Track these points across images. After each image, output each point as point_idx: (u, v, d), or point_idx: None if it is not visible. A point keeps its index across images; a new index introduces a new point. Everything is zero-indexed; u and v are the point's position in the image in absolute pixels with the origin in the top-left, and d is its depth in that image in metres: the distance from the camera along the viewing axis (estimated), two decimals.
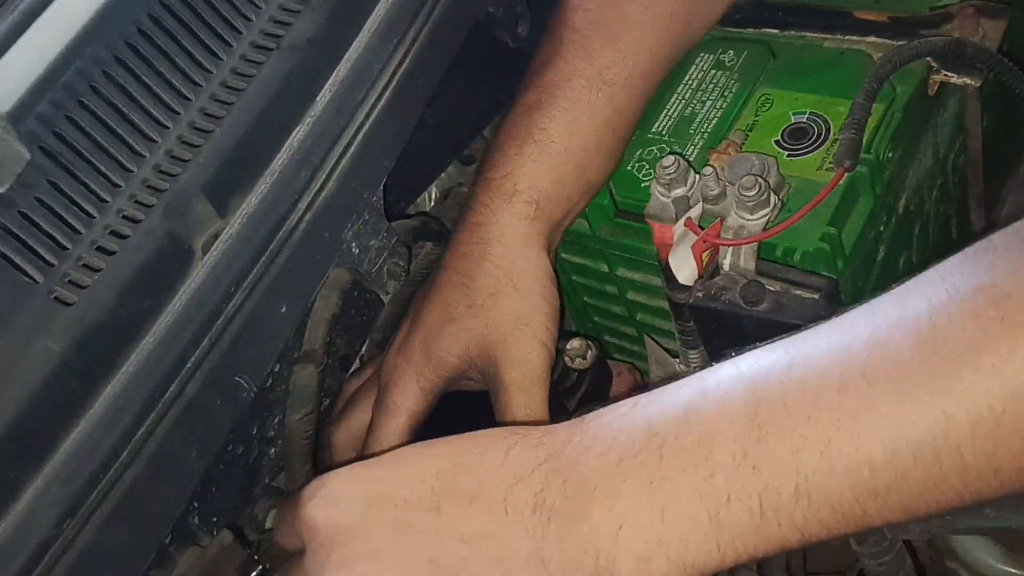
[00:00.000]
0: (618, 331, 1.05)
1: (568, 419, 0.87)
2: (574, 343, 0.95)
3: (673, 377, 0.64)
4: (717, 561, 0.55)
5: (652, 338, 0.94)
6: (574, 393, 0.94)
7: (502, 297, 0.80)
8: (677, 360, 0.89)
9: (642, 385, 1.04)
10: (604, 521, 0.56)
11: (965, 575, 0.87)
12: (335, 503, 0.62)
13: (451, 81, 0.95)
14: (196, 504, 0.78)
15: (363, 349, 0.98)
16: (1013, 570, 0.85)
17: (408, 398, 0.83)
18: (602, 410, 0.62)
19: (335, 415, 0.90)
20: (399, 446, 0.68)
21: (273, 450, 0.86)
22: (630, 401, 0.62)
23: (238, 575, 0.75)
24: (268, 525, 0.88)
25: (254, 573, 0.76)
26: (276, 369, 0.83)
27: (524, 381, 0.79)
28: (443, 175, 1.14)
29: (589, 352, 0.95)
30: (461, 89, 1.04)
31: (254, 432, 0.83)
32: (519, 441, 0.61)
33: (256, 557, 0.78)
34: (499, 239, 0.81)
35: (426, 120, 0.94)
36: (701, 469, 0.55)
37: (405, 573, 0.58)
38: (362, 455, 0.84)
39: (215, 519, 0.81)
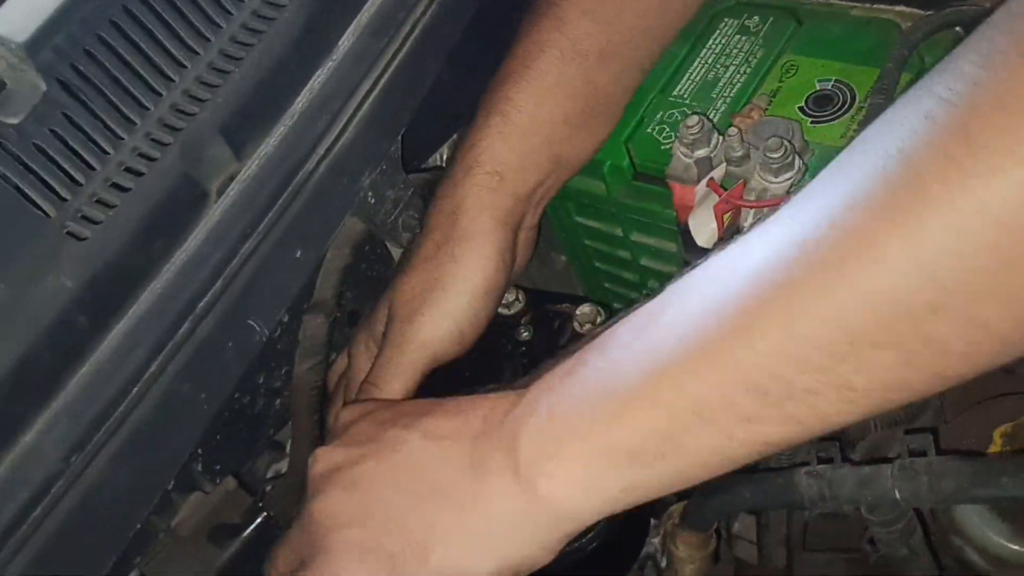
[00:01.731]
0: (628, 298, 1.05)
1: None
2: (584, 308, 0.94)
3: None
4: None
5: None
6: None
7: (431, 261, 0.78)
8: None
9: None
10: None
11: (970, 551, 0.87)
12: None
13: (467, 42, 0.93)
14: (200, 451, 0.77)
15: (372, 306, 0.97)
16: (1017, 547, 0.84)
17: (357, 369, 0.83)
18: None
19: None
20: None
21: (279, 401, 0.85)
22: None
23: (242, 521, 0.74)
24: (270, 476, 0.88)
25: (258, 519, 0.75)
26: (285, 320, 0.82)
27: (399, 341, 0.78)
28: (454, 136, 1.13)
29: (599, 318, 0.94)
30: (477, 50, 1.03)
31: (260, 382, 0.82)
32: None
33: (260, 504, 0.77)
34: (452, 210, 0.80)
35: (440, 78, 0.93)
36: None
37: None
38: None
39: (218, 468, 0.80)
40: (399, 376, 0.78)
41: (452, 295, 0.78)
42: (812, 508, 0.73)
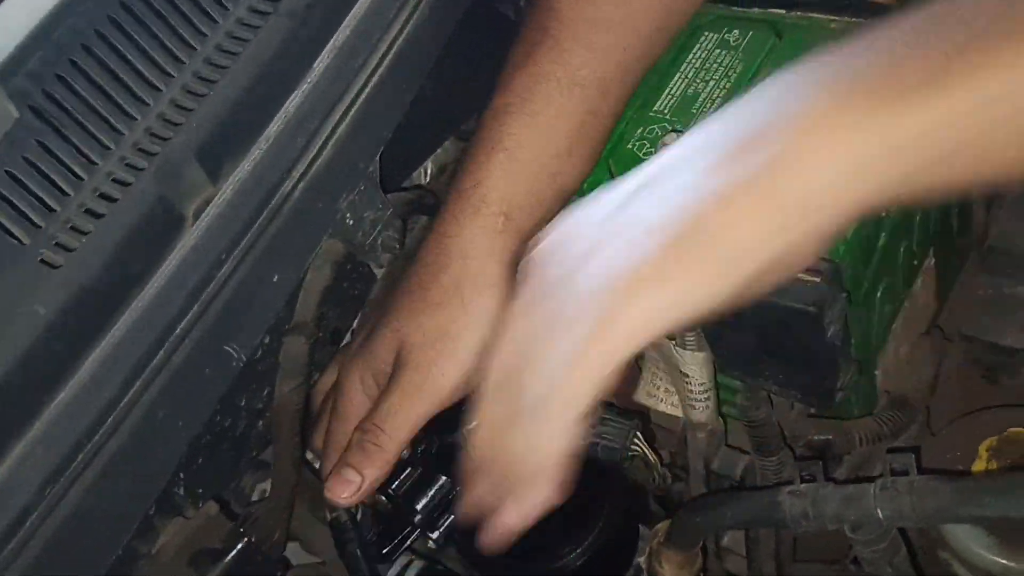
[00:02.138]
0: None
1: None
2: None
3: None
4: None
5: None
6: None
7: (442, 307, 0.77)
8: (673, 341, 0.87)
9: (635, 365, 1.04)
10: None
11: (957, 565, 0.86)
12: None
13: (450, 54, 0.93)
14: (182, 475, 0.77)
15: (355, 323, 0.96)
16: (1005, 561, 0.84)
17: (355, 403, 0.81)
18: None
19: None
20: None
21: (261, 423, 0.85)
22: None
23: (223, 547, 0.74)
24: (254, 498, 0.87)
25: (239, 545, 0.74)
26: (266, 341, 0.81)
27: (412, 391, 0.78)
28: (439, 150, 1.13)
29: None
30: (460, 63, 1.03)
31: (242, 404, 0.82)
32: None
33: (242, 530, 0.77)
34: (460, 253, 0.79)
35: (424, 94, 0.93)
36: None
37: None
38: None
39: (200, 491, 0.79)
40: (410, 426, 0.78)
41: (463, 346, 0.77)
42: (795, 527, 0.73)
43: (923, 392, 0.94)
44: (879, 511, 0.68)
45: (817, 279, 0.73)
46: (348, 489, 0.76)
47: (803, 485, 0.73)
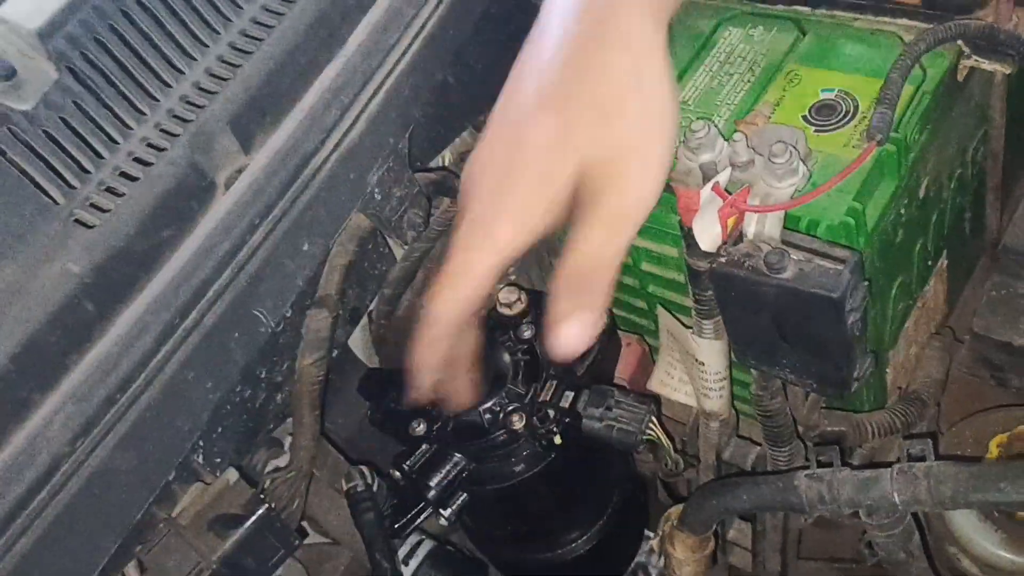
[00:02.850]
0: (628, 303, 1.05)
1: (576, 385, 0.88)
2: None
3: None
4: None
5: (665, 308, 0.93)
6: (583, 360, 0.94)
7: (628, 104, 0.64)
8: (690, 331, 0.88)
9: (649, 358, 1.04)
10: None
11: (965, 560, 0.87)
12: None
13: (474, 43, 0.94)
14: (201, 443, 0.77)
15: (373, 303, 0.97)
16: (1012, 556, 0.85)
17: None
18: None
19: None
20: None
21: (280, 396, 0.85)
22: None
23: (243, 512, 0.74)
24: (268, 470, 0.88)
25: (259, 511, 0.75)
26: (287, 314, 0.82)
27: (616, 220, 0.65)
28: (457, 140, 1.14)
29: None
30: (483, 52, 1.04)
31: (262, 376, 0.82)
32: None
33: (262, 496, 0.77)
34: (623, 45, 0.64)
35: (446, 80, 0.93)
36: None
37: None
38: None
39: (219, 460, 0.80)
40: (620, 258, 0.67)
41: (657, 156, 0.68)
42: (811, 511, 0.73)
43: (935, 389, 0.96)
44: (896, 495, 0.69)
45: (840, 266, 0.73)
46: (578, 336, 0.64)
47: (819, 469, 0.74)
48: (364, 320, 1.01)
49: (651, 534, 1.08)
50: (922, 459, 0.70)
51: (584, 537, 0.99)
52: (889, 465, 0.71)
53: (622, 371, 1.01)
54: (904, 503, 0.69)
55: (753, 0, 0.98)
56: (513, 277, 1.14)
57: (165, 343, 0.67)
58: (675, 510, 0.85)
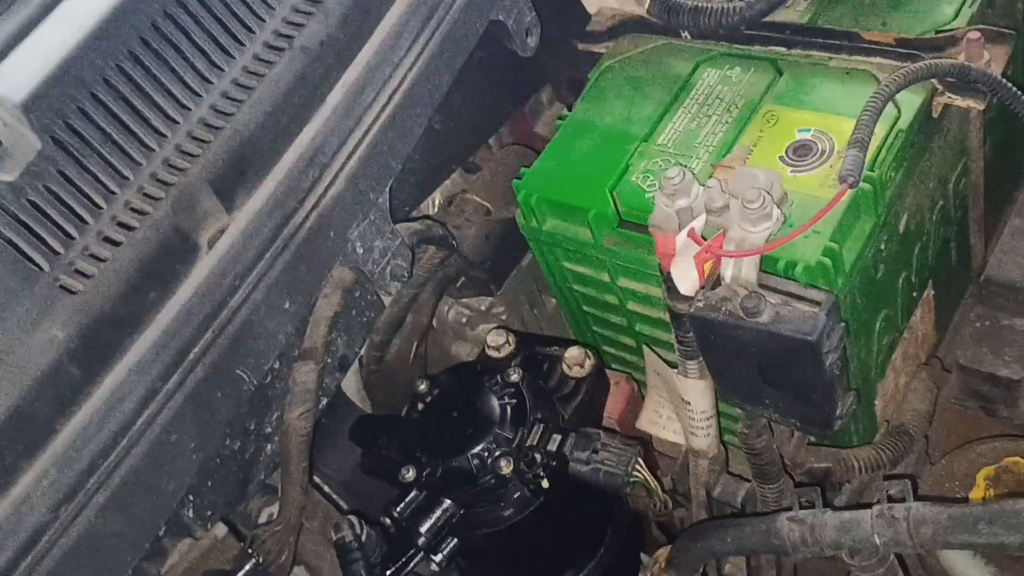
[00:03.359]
0: (616, 341, 1.06)
1: (564, 428, 0.88)
2: (572, 351, 0.96)
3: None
4: None
5: (651, 348, 0.94)
6: (571, 401, 0.95)
7: None
8: (676, 371, 0.89)
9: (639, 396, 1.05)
10: None
11: None
12: None
13: (458, 90, 0.95)
14: (191, 497, 0.78)
15: (362, 350, 0.98)
16: None
17: None
18: None
19: None
20: None
21: (269, 447, 0.86)
22: None
23: (232, 568, 0.75)
24: (262, 521, 0.89)
25: (247, 566, 0.75)
26: (275, 367, 0.83)
27: None
28: (447, 182, 1.15)
29: (587, 361, 0.95)
30: (468, 98, 1.05)
31: (251, 428, 0.83)
32: None
33: (250, 551, 0.78)
34: None
35: (432, 127, 0.95)
36: None
37: None
38: None
39: (209, 513, 0.81)
40: None
41: None
42: (794, 553, 0.74)
43: (922, 422, 0.96)
44: (876, 537, 0.69)
45: (816, 309, 0.74)
46: None
47: (801, 511, 0.74)
48: (357, 364, 1.02)
49: (646, 558, 1.08)
50: (902, 500, 0.70)
51: (581, 572, 0.99)
52: (871, 506, 0.71)
53: (611, 409, 1.02)
54: (884, 545, 0.69)
55: (730, 41, 0.99)
56: (504, 317, 1.15)
57: (148, 406, 0.68)
58: (663, 552, 0.85)
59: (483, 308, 1.12)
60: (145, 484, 0.68)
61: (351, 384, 1.05)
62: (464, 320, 1.12)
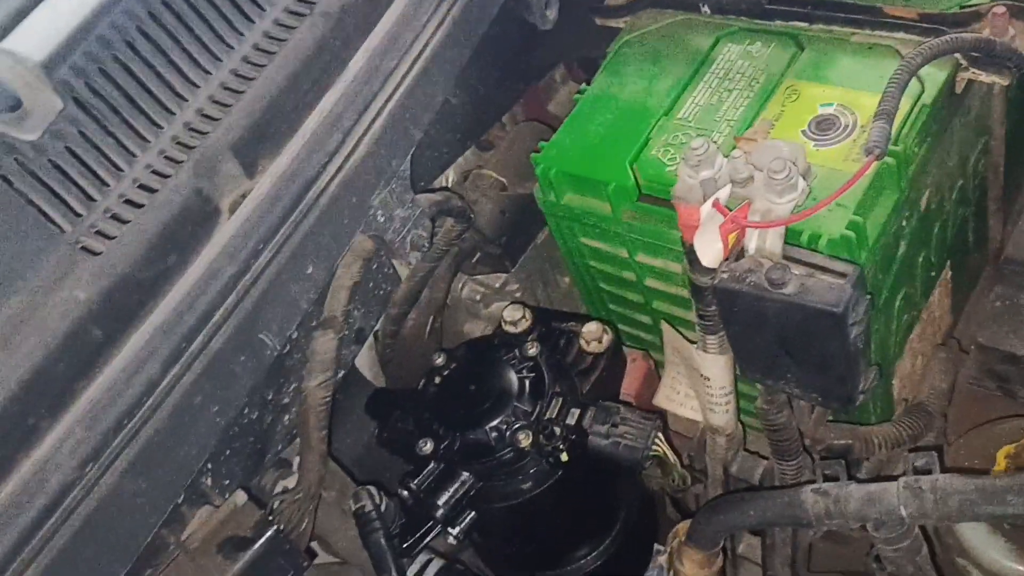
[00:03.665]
0: (633, 319, 1.05)
1: (582, 402, 0.88)
2: (590, 326, 0.95)
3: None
4: None
5: (670, 323, 0.94)
6: (588, 376, 0.94)
7: None
8: (694, 346, 0.89)
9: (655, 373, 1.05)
10: None
11: (974, 572, 0.87)
12: None
13: (474, 65, 0.95)
14: (210, 466, 0.78)
15: (378, 324, 0.98)
16: (1021, 567, 0.85)
17: None
18: None
19: None
20: None
21: (287, 417, 0.86)
22: None
23: (252, 535, 0.75)
24: (277, 491, 0.88)
25: (268, 533, 0.75)
26: (294, 336, 0.83)
27: None
28: (460, 159, 1.15)
29: (605, 336, 0.95)
30: (484, 74, 1.04)
31: (269, 398, 0.83)
32: None
33: (271, 518, 0.78)
34: None
35: (448, 102, 0.94)
36: None
37: None
38: None
39: (227, 482, 0.80)
40: None
41: None
42: (818, 525, 0.73)
43: (941, 401, 0.95)
44: (902, 509, 0.69)
45: (842, 281, 0.74)
46: None
47: (826, 484, 0.74)
48: (371, 340, 1.02)
49: (661, 547, 1.08)
50: (928, 472, 0.70)
51: (593, 554, 0.99)
52: (895, 478, 0.71)
53: (628, 387, 1.01)
54: (911, 516, 0.69)
55: (751, 16, 0.98)
56: (519, 294, 1.14)
57: (172, 368, 0.67)
58: (683, 526, 0.85)
59: (497, 285, 1.12)
60: (168, 446, 0.67)
61: (364, 361, 1.04)
62: (478, 297, 1.12)
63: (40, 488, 0.61)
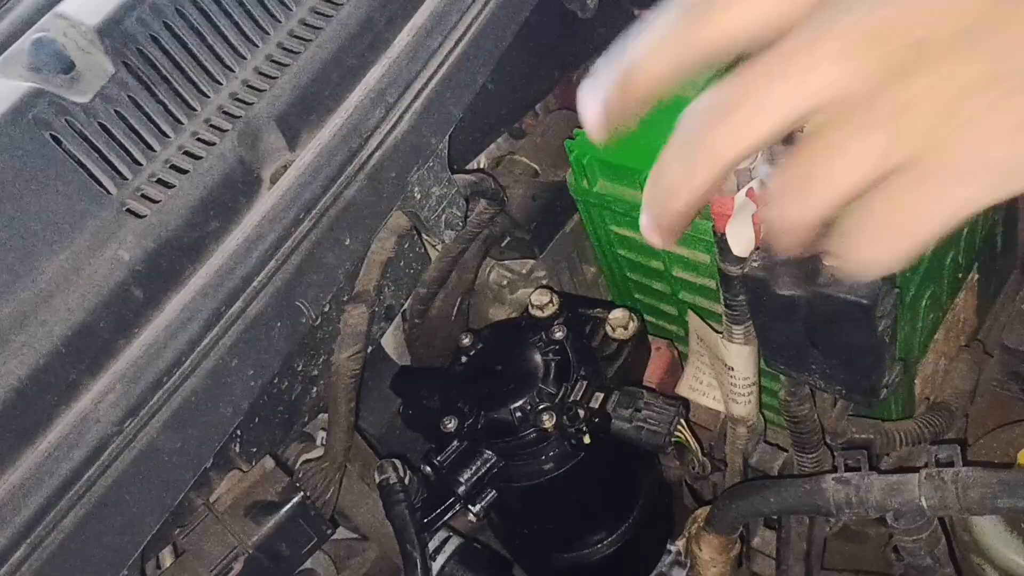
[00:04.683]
0: (658, 309, 1.06)
1: (606, 387, 0.89)
2: (617, 313, 0.96)
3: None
4: None
5: (696, 313, 0.95)
6: (613, 362, 0.95)
7: None
8: (720, 336, 0.89)
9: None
10: None
11: (989, 569, 0.88)
12: None
13: (511, 51, 0.96)
14: (239, 432, 0.79)
15: (407, 303, 0.99)
16: None
17: None
18: None
19: None
20: None
21: (315, 389, 0.87)
22: None
23: (279, 500, 0.76)
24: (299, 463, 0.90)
25: (295, 499, 0.76)
26: (325, 310, 0.84)
27: None
28: (492, 145, 1.16)
29: (631, 323, 0.96)
30: (520, 61, 1.05)
31: (299, 369, 0.84)
32: None
33: (298, 484, 0.79)
34: None
35: (484, 86, 0.95)
36: None
37: None
38: None
39: (254, 450, 0.82)
40: None
41: None
42: (838, 514, 0.74)
43: (963, 400, 0.96)
44: (923, 500, 0.70)
45: None
46: None
47: (847, 473, 0.75)
48: (396, 320, 1.03)
49: (672, 548, 1.09)
50: (950, 464, 0.71)
51: (608, 540, 1.00)
52: (917, 471, 0.72)
53: (651, 375, 1.02)
54: (932, 508, 0.70)
55: None
56: (545, 281, 1.15)
57: (211, 330, 0.68)
58: (702, 511, 0.86)
59: (524, 271, 1.13)
60: (205, 405, 0.69)
61: (387, 340, 1.06)
62: (504, 283, 1.13)
63: (80, 440, 0.62)
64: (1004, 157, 0.40)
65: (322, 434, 0.93)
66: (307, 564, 0.96)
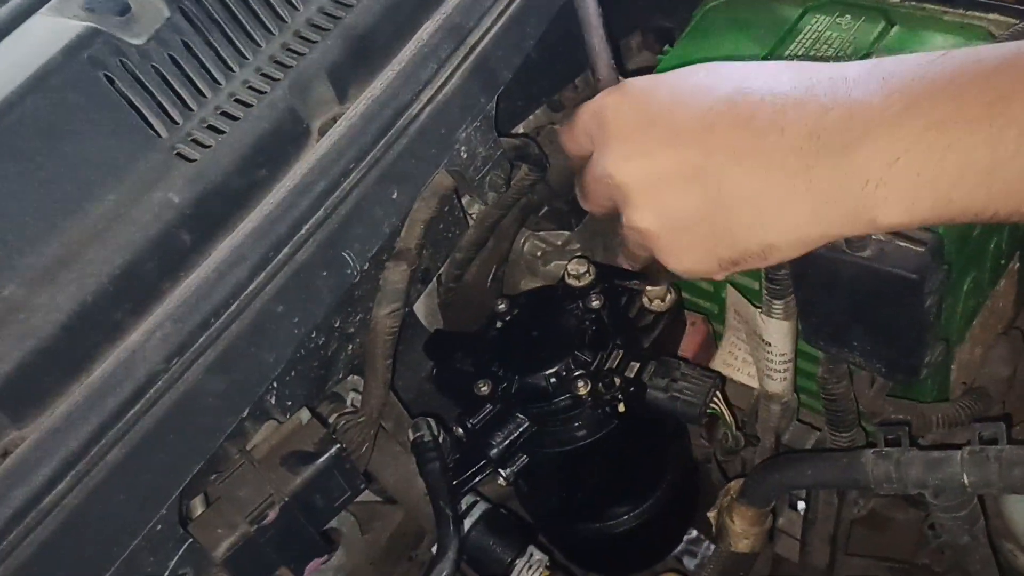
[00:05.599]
0: (693, 286, 1.06)
1: (642, 357, 0.88)
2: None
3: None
4: (977, 210, 0.55)
5: (733, 286, 0.94)
6: (648, 334, 0.95)
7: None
8: (758, 310, 0.89)
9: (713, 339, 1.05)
10: (880, 153, 0.55)
11: (1021, 556, 0.87)
12: (626, 98, 0.67)
13: (554, 22, 0.95)
14: (275, 384, 0.79)
15: (443, 267, 0.99)
16: None
17: None
18: (881, 60, 0.60)
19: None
20: None
21: (351, 347, 0.87)
22: (927, 56, 0.59)
23: (315, 451, 0.76)
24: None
25: (331, 450, 0.76)
26: (365, 267, 0.84)
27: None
28: (531, 116, 1.15)
29: (668, 295, 0.95)
30: (564, 31, 1.05)
31: (336, 325, 0.84)
32: (800, 71, 0.61)
33: (334, 436, 0.79)
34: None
35: (528, 55, 0.94)
36: (998, 120, 0.52)
37: (674, 174, 0.64)
38: None
39: (290, 403, 0.82)
40: None
41: None
42: (876, 488, 0.74)
43: (1001, 386, 0.95)
44: (965, 476, 0.69)
45: (921, 248, 0.74)
46: None
47: (888, 448, 0.74)
48: (431, 286, 1.03)
49: (693, 532, 1.09)
50: (994, 442, 0.70)
51: (634, 512, 1.00)
52: (959, 447, 0.71)
53: (685, 349, 1.01)
54: (973, 485, 0.69)
55: None
56: (579, 254, 1.15)
57: (258, 275, 0.69)
58: (735, 483, 0.85)
59: (559, 243, 1.12)
60: (249, 350, 0.69)
61: (419, 307, 1.05)
62: (539, 253, 1.12)
63: (128, 375, 0.63)
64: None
65: (352, 395, 0.93)
66: (331, 523, 0.96)
